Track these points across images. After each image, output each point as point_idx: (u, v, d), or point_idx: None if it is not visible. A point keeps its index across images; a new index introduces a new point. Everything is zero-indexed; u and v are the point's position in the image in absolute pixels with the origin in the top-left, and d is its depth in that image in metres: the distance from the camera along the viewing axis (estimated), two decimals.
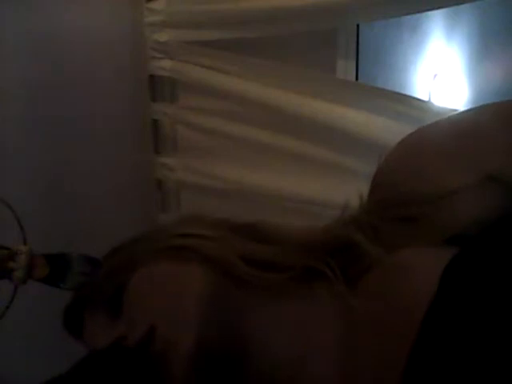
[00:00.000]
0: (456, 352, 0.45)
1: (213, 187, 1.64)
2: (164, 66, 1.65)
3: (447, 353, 0.46)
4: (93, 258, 0.90)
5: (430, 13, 2.14)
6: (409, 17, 2.02)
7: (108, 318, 0.60)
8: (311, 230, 0.61)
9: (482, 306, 0.46)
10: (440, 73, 2.53)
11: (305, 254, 0.58)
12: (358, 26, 1.61)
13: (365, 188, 0.62)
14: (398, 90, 1.56)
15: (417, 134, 0.62)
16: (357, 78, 1.66)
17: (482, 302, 0.47)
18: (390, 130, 1.42)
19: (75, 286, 0.87)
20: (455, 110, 1.47)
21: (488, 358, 0.44)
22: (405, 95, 1.51)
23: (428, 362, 0.46)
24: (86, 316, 0.63)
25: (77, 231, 1.44)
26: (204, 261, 0.57)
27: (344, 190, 1.57)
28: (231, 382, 0.53)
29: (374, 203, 0.59)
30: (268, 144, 1.55)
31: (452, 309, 0.47)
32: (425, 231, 0.54)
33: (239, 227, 0.63)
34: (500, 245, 0.50)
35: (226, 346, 0.53)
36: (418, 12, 1.59)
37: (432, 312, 0.47)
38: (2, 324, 0.84)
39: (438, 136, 0.60)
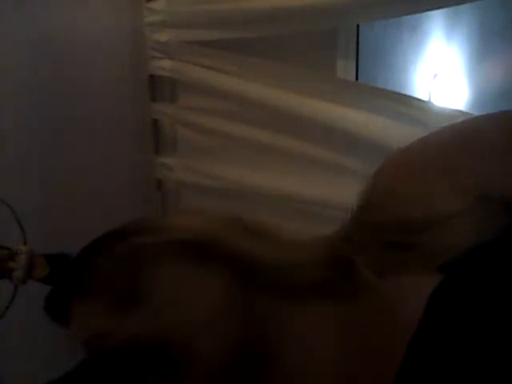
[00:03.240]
0: (441, 371, 0.46)
1: (213, 187, 1.64)
2: (164, 65, 1.65)
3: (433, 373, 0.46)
4: None
5: (430, 13, 2.14)
6: (409, 17, 2.02)
7: (109, 307, 0.58)
8: (314, 241, 0.60)
9: (466, 330, 0.46)
10: (440, 73, 2.53)
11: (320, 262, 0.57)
12: (358, 26, 1.61)
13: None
14: (398, 89, 1.56)
15: (409, 151, 0.59)
16: (357, 78, 1.66)
17: (466, 326, 0.47)
18: (389, 130, 1.42)
19: None
20: (455, 110, 1.47)
21: (471, 377, 0.45)
22: (405, 95, 1.51)
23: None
24: (75, 303, 0.62)
25: (77, 231, 1.44)
26: (225, 260, 0.57)
27: (344, 190, 1.57)
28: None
29: (367, 225, 0.57)
30: (268, 144, 1.55)
31: (436, 334, 0.47)
32: (418, 258, 0.53)
33: (252, 227, 0.62)
34: (489, 267, 0.49)
35: (252, 351, 0.53)
36: (418, 12, 1.60)
37: (415, 341, 0.47)
38: (1, 324, 0.84)
39: (431, 153, 0.59)
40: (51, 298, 0.67)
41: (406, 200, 0.55)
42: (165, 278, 0.57)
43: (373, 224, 0.56)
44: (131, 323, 0.56)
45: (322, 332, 0.55)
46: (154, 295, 0.56)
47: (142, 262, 0.58)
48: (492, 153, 0.55)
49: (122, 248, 0.61)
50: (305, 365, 0.54)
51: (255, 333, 0.54)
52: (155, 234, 0.61)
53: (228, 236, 0.59)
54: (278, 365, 0.54)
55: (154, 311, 0.55)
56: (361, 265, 0.54)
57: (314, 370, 0.54)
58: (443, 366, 0.46)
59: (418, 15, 2.08)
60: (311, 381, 0.55)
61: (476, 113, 1.65)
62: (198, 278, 0.57)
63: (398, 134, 1.41)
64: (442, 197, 0.53)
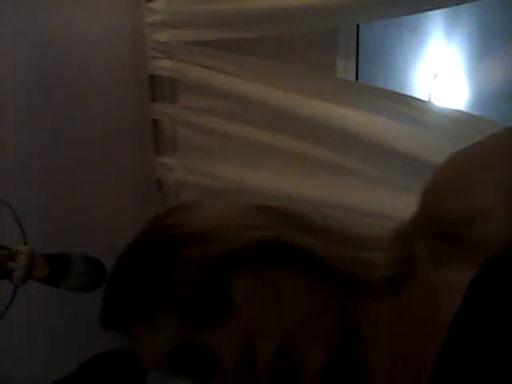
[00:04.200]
0: (476, 362, 0.49)
1: (213, 187, 1.64)
2: (164, 65, 1.65)
3: (468, 367, 0.50)
4: (93, 258, 0.90)
5: (430, 13, 2.14)
6: (409, 17, 2.02)
7: (183, 319, 0.57)
8: (380, 237, 0.63)
9: (501, 320, 0.49)
10: (440, 73, 2.53)
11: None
12: (358, 26, 1.61)
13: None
14: (397, 90, 1.55)
15: (465, 152, 0.62)
16: (357, 78, 1.66)
17: (502, 317, 0.49)
18: (389, 130, 1.42)
19: (75, 286, 0.87)
20: (455, 110, 1.47)
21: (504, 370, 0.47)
22: (405, 95, 1.51)
23: (451, 370, 0.50)
24: (143, 317, 0.60)
25: (77, 231, 1.44)
26: (301, 262, 0.57)
27: (344, 190, 1.58)
28: None
29: (424, 220, 0.60)
30: (268, 144, 1.55)
31: (472, 323, 0.50)
32: (460, 251, 0.55)
33: (310, 223, 0.63)
34: None
35: (351, 357, 0.55)
36: (418, 12, 1.59)
37: (453, 330, 0.51)
38: (1, 324, 0.84)
39: (474, 155, 0.60)
40: (110, 310, 0.64)
41: (451, 197, 0.58)
42: (248, 288, 0.57)
43: (425, 219, 0.59)
44: (224, 335, 0.55)
45: (387, 321, 0.57)
46: (242, 306, 0.56)
47: (219, 274, 0.57)
48: None
49: (193, 260, 0.59)
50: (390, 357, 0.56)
51: (348, 331, 0.56)
52: (211, 242, 0.59)
53: (293, 236, 0.59)
54: (371, 361, 0.56)
55: (247, 322, 0.55)
56: (420, 257, 0.58)
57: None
58: (478, 354, 0.49)
59: (417, 15, 2.08)
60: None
61: (476, 113, 1.66)
62: (282, 284, 0.57)
63: (398, 134, 1.41)
64: (482, 195, 0.56)
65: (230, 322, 0.56)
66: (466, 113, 1.55)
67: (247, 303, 0.56)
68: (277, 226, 0.61)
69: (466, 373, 0.50)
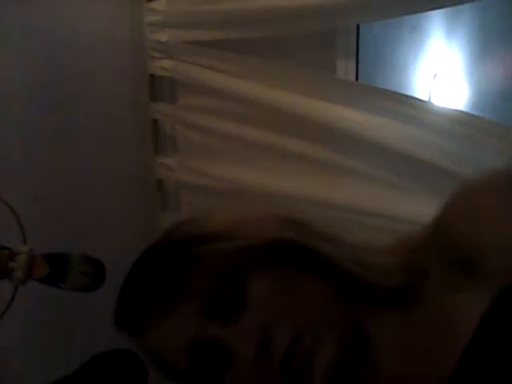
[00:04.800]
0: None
1: (213, 187, 1.64)
2: (164, 66, 1.65)
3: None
4: (93, 258, 0.89)
5: (430, 13, 2.14)
6: (409, 17, 2.02)
7: (200, 312, 0.59)
8: (392, 248, 0.64)
9: None
10: (440, 73, 2.53)
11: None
12: (358, 26, 1.61)
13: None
14: (397, 90, 1.55)
15: (488, 181, 0.62)
16: (357, 78, 1.66)
17: None
18: (389, 130, 1.42)
19: (75, 287, 0.87)
20: (455, 110, 1.47)
21: None
22: (405, 95, 1.51)
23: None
24: (158, 314, 0.62)
25: (77, 231, 1.44)
26: (314, 268, 0.59)
27: (344, 190, 1.58)
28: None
29: (438, 242, 0.61)
30: (268, 144, 1.55)
31: (487, 347, 0.51)
32: (478, 278, 0.56)
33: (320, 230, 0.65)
34: None
35: (360, 357, 0.57)
36: (418, 12, 1.59)
37: (468, 350, 0.52)
38: (1, 324, 0.84)
39: (493, 188, 0.61)
40: (127, 308, 0.66)
41: (469, 224, 0.58)
42: (264, 284, 0.59)
43: (440, 241, 0.60)
44: (240, 329, 0.57)
45: (396, 333, 0.59)
46: (258, 301, 0.58)
47: (237, 271, 0.59)
48: None
49: (211, 256, 0.61)
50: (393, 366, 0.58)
51: (358, 334, 0.58)
52: (229, 239, 0.61)
53: (307, 239, 0.62)
54: (377, 365, 0.58)
55: (263, 316, 0.57)
56: (432, 275, 0.59)
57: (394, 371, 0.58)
58: (492, 376, 0.50)
59: (418, 15, 2.07)
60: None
61: (476, 113, 1.66)
62: (296, 282, 0.59)
63: (398, 134, 1.41)
64: (500, 227, 0.56)
65: (246, 316, 0.58)
66: (466, 113, 1.55)
67: (262, 299, 0.58)
68: (291, 230, 0.63)
69: None
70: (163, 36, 1.62)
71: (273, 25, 1.47)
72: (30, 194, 1.32)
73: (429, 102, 2.18)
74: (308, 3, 1.40)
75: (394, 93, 1.48)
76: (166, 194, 1.76)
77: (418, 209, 1.31)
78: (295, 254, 0.60)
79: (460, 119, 1.40)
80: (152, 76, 1.68)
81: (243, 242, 0.60)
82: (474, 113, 1.65)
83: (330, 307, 0.58)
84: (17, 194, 0.97)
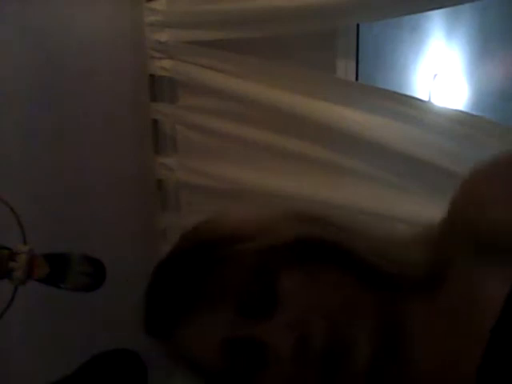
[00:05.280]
0: None
1: (213, 187, 1.64)
2: (164, 66, 1.65)
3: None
4: (93, 258, 0.90)
5: (430, 13, 2.14)
6: (409, 17, 2.01)
7: (233, 312, 0.59)
8: (415, 238, 0.65)
9: None
10: (440, 73, 2.53)
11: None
12: (358, 25, 1.61)
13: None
14: (397, 90, 1.55)
15: (496, 164, 0.63)
16: (357, 78, 1.66)
17: None
18: (389, 130, 1.42)
19: (75, 287, 0.87)
20: (455, 110, 1.47)
21: None
22: (405, 95, 1.51)
23: (495, 374, 0.52)
24: (190, 318, 0.62)
25: (77, 231, 1.44)
26: (338, 261, 0.60)
27: (344, 190, 1.58)
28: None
29: (458, 230, 0.61)
30: (268, 144, 1.55)
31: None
32: (503, 260, 0.57)
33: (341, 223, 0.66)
34: None
35: (395, 353, 0.58)
36: (418, 12, 1.59)
37: (498, 327, 0.53)
38: (1, 324, 0.84)
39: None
40: (157, 313, 0.65)
41: (487, 209, 0.59)
42: (295, 280, 0.59)
43: (466, 227, 0.60)
44: (276, 326, 0.58)
45: (422, 321, 0.60)
46: (290, 297, 0.58)
47: (268, 269, 0.60)
48: None
49: (241, 255, 0.61)
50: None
51: (391, 328, 0.59)
52: (257, 238, 0.61)
53: (333, 235, 0.62)
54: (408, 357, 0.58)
55: (297, 312, 0.58)
56: (455, 262, 0.59)
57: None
58: None
59: (418, 15, 2.07)
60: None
61: (476, 113, 1.66)
62: (326, 278, 0.59)
63: (398, 133, 1.41)
64: None
65: (279, 313, 0.58)
66: (466, 113, 1.55)
67: (294, 294, 0.58)
68: (309, 225, 0.64)
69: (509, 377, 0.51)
70: (163, 36, 1.62)
71: (273, 25, 1.47)
72: (29, 194, 1.32)
73: (429, 102, 2.18)
74: (308, 3, 1.40)
75: (394, 93, 1.48)
76: (166, 193, 1.76)
77: (418, 209, 1.32)
78: (316, 249, 0.61)
79: (460, 119, 1.40)
80: (152, 76, 1.68)
81: (266, 241, 0.61)
82: (473, 113, 1.65)
83: (358, 298, 0.59)
84: (17, 194, 0.97)
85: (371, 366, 0.57)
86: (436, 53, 2.48)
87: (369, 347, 0.56)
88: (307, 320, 0.57)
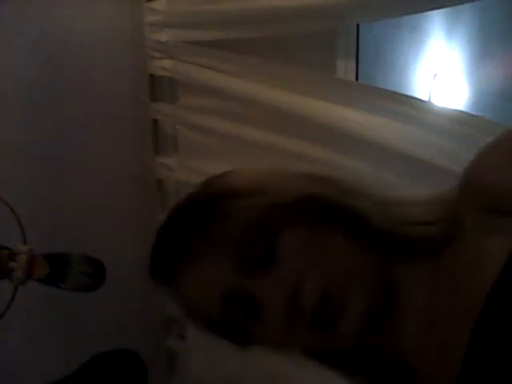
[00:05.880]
0: None
1: None
2: (164, 65, 1.65)
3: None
4: (93, 258, 0.90)
5: (430, 13, 2.14)
6: (409, 17, 2.01)
7: (231, 263, 0.60)
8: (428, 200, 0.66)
9: None
10: (440, 73, 2.53)
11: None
12: (357, 25, 1.61)
13: None
14: (397, 90, 1.55)
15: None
16: (357, 78, 1.66)
17: None
18: (389, 130, 1.42)
19: (75, 287, 0.87)
20: (455, 110, 1.47)
21: None
22: (405, 95, 1.51)
23: (489, 338, 0.53)
24: (190, 264, 0.63)
25: (77, 231, 1.44)
26: (344, 221, 0.60)
27: None
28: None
29: (472, 194, 0.63)
30: (268, 144, 1.55)
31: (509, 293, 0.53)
32: (508, 223, 0.59)
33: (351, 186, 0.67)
34: None
35: (388, 311, 0.60)
36: (418, 12, 1.59)
37: (494, 292, 0.54)
38: (1, 324, 0.84)
39: None
40: (161, 256, 0.67)
41: (501, 175, 0.61)
42: (294, 238, 0.60)
43: (475, 191, 0.63)
44: (270, 281, 0.58)
45: (425, 278, 0.61)
46: (288, 254, 0.59)
47: (270, 225, 0.60)
48: None
49: (243, 209, 0.62)
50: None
51: (386, 288, 0.60)
52: (262, 193, 0.62)
53: (336, 195, 0.63)
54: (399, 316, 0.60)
55: (293, 269, 0.58)
56: (466, 224, 0.61)
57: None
58: None
59: (418, 15, 2.07)
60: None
61: (476, 113, 1.65)
62: (327, 236, 0.60)
63: (398, 133, 1.41)
64: None
65: (276, 269, 0.59)
66: (466, 113, 1.55)
67: (292, 252, 0.59)
68: (320, 185, 0.65)
69: (503, 339, 0.52)
70: (163, 36, 1.62)
71: (273, 25, 1.47)
72: (30, 194, 1.32)
73: (429, 102, 2.18)
74: (308, 3, 1.40)
75: (394, 93, 1.48)
76: (166, 193, 1.76)
77: None
78: (324, 209, 0.61)
79: (460, 119, 1.39)
80: (152, 76, 1.68)
81: (274, 197, 0.62)
82: (473, 113, 1.65)
83: (359, 260, 0.60)
84: (17, 194, 0.97)
85: (360, 329, 0.58)
86: (436, 53, 2.48)
87: (360, 312, 0.57)
88: (302, 279, 0.58)
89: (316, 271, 0.58)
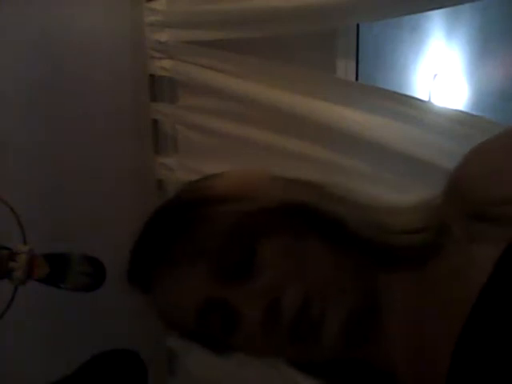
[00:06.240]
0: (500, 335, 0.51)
1: None
2: (164, 65, 1.65)
3: (493, 336, 0.52)
4: (93, 257, 0.90)
5: (430, 13, 2.14)
6: (409, 17, 2.01)
7: (208, 272, 0.59)
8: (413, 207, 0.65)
9: None
10: (440, 73, 2.53)
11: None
12: (357, 25, 1.61)
13: None
14: (397, 90, 1.55)
15: (494, 140, 0.64)
16: (357, 78, 1.66)
17: None
18: (389, 130, 1.42)
19: (75, 287, 0.87)
20: (455, 110, 1.47)
21: None
22: (405, 95, 1.51)
23: (477, 340, 0.52)
24: (168, 271, 0.61)
25: (77, 231, 1.44)
26: (326, 230, 0.59)
27: None
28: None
29: (455, 200, 0.63)
30: (268, 144, 1.55)
31: (501, 292, 0.52)
32: (493, 229, 0.57)
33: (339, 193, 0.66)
34: None
35: (369, 320, 0.58)
36: (418, 12, 1.59)
37: (481, 300, 0.53)
38: (1, 324, 0.84)
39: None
40: (138, 263, 0.66)
41: (484, 181, 0.61)
42: (273, 247, 0.58)
43: (456, 199, 0.62)
44: (248, 291, 0.57)
45: (409, 288, 0.60)
46: (267, 263, 0.58)
47: (247, 233, 0.59)
48: None
49: (221, 216, 0.60)
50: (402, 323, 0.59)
51: (368, 297, 0.58)
52: (240, 200, 0.61)
53: (317, 202, 0.62)
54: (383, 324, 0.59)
55: (272, 278, 0.57)
56: (451, 232, 0.60)
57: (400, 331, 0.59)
58: (500, 331, 0.51)
59: (418, 15, 2.07)
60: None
61: (476, 113, 1.65)
62: (306, 245, 0.59)
63: (398, 133, 1.41)
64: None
65: (255, 278, 0.58)
66: (466, 113, 1.54)
67: (272, 261, 0.58)
68: (303, 192, 0.64)
69: (489, 349, 0.51)
70: (163, 36, 1.62)
71: (273, 25, 1.47)
72: (29, 194, 1.32)
73: (429, 102, 2.18)
74: (308, 3, 1.40)
75: (394, 93, 1.48)
76: (166, 194, 1.76)
77: None
78: (307, 217, 0.60)
79: (460, 119, 1.39)
80: (152, 76, 1.68)
81: (255, 204, 0.60)
82: (473, 113, 1.65)
83: (341, 270, 0.58)
84: (17, 194, 0.97)
85: (341, 340, 0.56)
86: (436, 53, 2.48)
87: (341, 321, 0.56)
88: (280, 290, 0.56)
89: (296, 280, 0.57)
